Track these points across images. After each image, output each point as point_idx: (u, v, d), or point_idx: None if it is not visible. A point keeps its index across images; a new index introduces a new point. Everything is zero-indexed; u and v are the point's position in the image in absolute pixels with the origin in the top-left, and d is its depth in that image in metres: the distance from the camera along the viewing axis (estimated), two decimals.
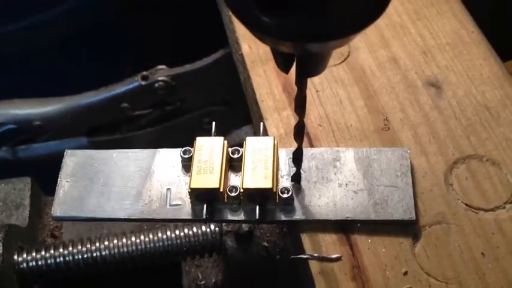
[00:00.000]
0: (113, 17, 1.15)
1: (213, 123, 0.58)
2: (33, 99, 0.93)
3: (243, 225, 0.62)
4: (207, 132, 0.58)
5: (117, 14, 1.15)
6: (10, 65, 1.14)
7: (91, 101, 0.91)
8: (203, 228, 0.63)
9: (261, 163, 0.53)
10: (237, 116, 0.91)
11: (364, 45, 0.66)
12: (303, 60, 0.41)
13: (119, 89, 0.90)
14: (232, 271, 0.65)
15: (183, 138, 0.60)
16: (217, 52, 0.90)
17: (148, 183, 0.56)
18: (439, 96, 0.62)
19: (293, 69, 0.43)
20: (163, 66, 0.91)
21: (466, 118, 0.60)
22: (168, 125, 0.96)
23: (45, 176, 0.74)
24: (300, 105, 0.47)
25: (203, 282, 0.67)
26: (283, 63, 0.42)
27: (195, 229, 0.63)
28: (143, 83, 0.89)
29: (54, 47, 1.15)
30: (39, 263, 0.62)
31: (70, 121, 0.91)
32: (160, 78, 0.89)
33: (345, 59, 0.65)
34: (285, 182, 0.55)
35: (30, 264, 0.62)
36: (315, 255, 0.51)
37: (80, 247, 0.63)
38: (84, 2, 1.14)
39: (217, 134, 0.57)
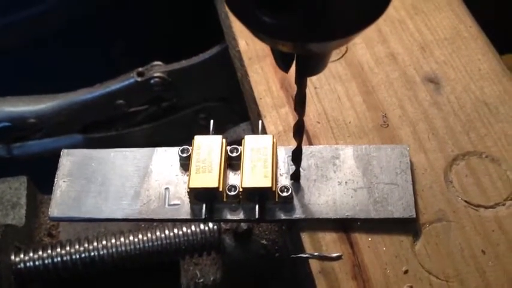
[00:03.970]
0: (107, 12, 1.14)
1: (211, 121, 0.57)
2: (27, 96, 0.92)
3: (242, 223, 0.62)
4: (204, 128, 0.57)
5: (111, 8, 1.14)
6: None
7: (86, 97, 0.90)
8: (201, 226, 0.63)
9: (260, 162, 0.53)
10: (234, 112, 0.91)
11: (361, 41, 0.66)
12: (303, 59, 0.41)
13: (114, 85, 0.89)
14: (231, 269, 0.64)
15: (179, 135, 0.60)
16: (214, 48, 0.89)
17: (147, 182, 0.55)
18: (438, 92, 0.61)
19: (293, 68, 0.42)
20: (159, 63, 0.90)
21: (465, 114, 0.59)
22: (165, 121, 0.95)
23: (40, 174, 0.73)
24: (299, 103, 0.46)
25: (202, 280, 0.67)
26: (283, 63, 0.42)
27: (193, 227, 0.63)
28: (139, 79, 0.89)
29: (45, 42, 1.13)
30: (37, 263, 0.62)
31: (65, 118, 0.90)
32: (156, 74, 0.88)
33: (342, 55, 0.65)
34: (284, 181, 0.54)
35: (28, 264, 0.61)
36: (315, 254, 0.51)
37: (77, 246, 0.63)
38: None
39: (215, 131, 0.57)
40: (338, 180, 0.54)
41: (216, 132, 0.57)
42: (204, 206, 0.52)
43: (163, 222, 0.60)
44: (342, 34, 0.36)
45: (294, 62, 0.42)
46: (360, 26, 0.36)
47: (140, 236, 0.63)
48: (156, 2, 1.14)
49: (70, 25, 1.14)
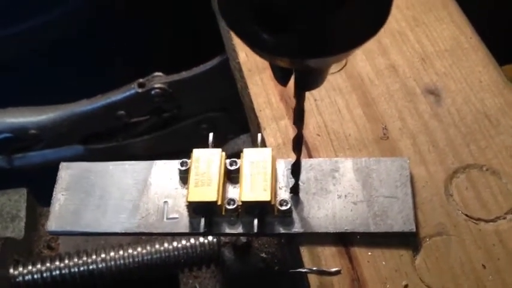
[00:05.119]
0: (108, 24, 1.14)
1: (210, 134, 0.57)
2: (28, 107, 0.92)
3: (241, 236, 0.61)
4: (205, 139, 0.57)
5: (112, 20, 1.14)
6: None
7: (87, 108, 0.90)
8: (201, 239, 0.63)
9: (260, 175, 0.53)
10: (235, 122, 0.91)
11: (361, 53, 0.66)
12: (301, 74, 0.41)
13: (115, 96, 0.90)
14: (230, 282, 0.64)
15: (181, 145, 0.59)
16: (214, 59, 0.89)
17: (145, 196, 0.55)
18: (438, 104, 0.61)
19: (291, 82, 0.42)
20: (160, 73, 0.90)
21: (465, 126, 0.59)
22: (165, 132, 0.95)
23: (41, 185, 0.73)
24: (298, 117, 0.46)
25: None
26: (281, 77, 0.42)
27: (192, 240, 0.63)
28: (140, 90, 0.89)
29: (45, 53, 1.14)
30: (35, 276, 0.62)
31: (66, 129, 0.91)
32: (157, 85, 0.89)
33: (342, 67, 0.65)
34: (284, 194, 0.54)
35: (26, 277, 0.61)
36: (314, 268, 0.50)
37: (76, 260, 0.62)
38: (80, 5, 1.13)
39: (215, 142, 0.57)
40: (337, 193, 0.54)
41: (217, 142, 0.57)
42: (202, 219, 0.52)
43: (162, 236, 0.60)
44: (340, 50, 0.36)
45: (293, 77, 0.41)
46: (358, 41, 0.36)
47: (139, 249, 0.63)
48: (157, 12, 1.14)
49: (71, 33, 1.14)
